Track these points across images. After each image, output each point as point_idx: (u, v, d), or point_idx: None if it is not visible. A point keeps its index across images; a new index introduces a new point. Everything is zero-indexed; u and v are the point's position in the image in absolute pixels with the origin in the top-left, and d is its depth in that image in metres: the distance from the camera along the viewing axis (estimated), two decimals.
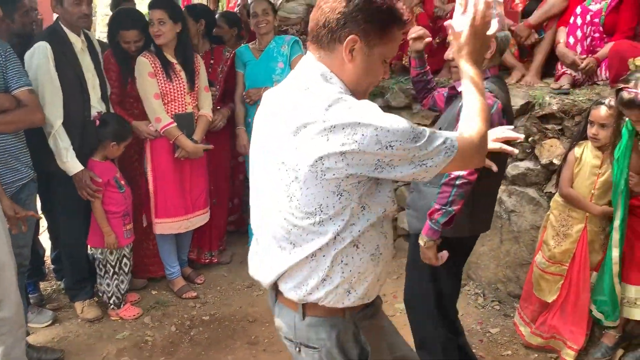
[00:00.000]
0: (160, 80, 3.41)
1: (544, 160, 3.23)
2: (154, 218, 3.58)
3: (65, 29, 3.12)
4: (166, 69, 3.42)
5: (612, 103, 2.64)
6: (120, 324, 3.37)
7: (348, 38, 1.36)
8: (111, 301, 3.40)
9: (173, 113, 3.46)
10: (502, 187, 3.47)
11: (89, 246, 3.38)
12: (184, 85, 3.49)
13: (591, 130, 2.73)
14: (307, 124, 1.33)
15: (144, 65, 3.39)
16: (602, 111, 2.68)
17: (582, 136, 2.84)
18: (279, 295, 1.57)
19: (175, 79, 3.45)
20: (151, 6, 3.39)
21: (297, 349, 1.55)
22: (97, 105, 3.25)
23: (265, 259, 1.56)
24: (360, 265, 1.47)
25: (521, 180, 3.38)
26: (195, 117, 3.58)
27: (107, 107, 3.38)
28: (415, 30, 2.49)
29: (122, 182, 3.36)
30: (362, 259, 1.47)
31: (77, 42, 3.17)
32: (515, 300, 3.34)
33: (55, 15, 3.25)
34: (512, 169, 3.41)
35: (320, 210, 1.38)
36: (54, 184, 3.17)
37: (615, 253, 2.66)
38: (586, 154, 2.81)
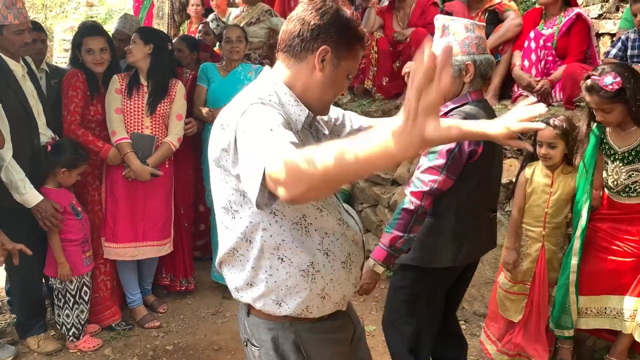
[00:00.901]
0: (126, 99, 3.40)
1: (503, 180, 3.28)
2: (103, 242, 3.48)
3: (4, 57, 3.03)
4: (130, 87, 3.40)
5: (557, 123, 2.71)
6: (79, 357, 3.24)
7: (321, 48, 1.43)
8: (70, 332, 3.27)
9: (132, 132, 3.42)
10: None
11: (47, 276, 3.27)
12: (142, 107, 3.45)
13: (541, 151, 2.77)
14: (226, 122, 1.39)
15: (114, 82, 3.41)
16: (549, 131, 2.72)
17: (532, 157, 2.88)
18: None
19: (136, 98, 3.42)
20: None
21: (245, 343, 1.61)
22: (44, 132, 3.18)
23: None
24: (287, 279, 1.47)
25: None
26: (158, 143, 3.52)
27: (53, 132, 3.29)
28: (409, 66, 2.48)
29: (79, 209, 3.26)
30: (288, 273, 1.46)
31: (18, 69, 3.08)
32: (481, 319, 3.36)
33: None
34: None
35: (230, 206, 1.45)
36: (1, 220, 2.91)
37: (574, 261, 2.72)
38: (536, 173, 2.85)
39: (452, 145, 2.03)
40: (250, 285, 1.49)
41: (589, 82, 2.47)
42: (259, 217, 1.42)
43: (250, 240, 1.45)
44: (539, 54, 3.53)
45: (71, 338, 3.28)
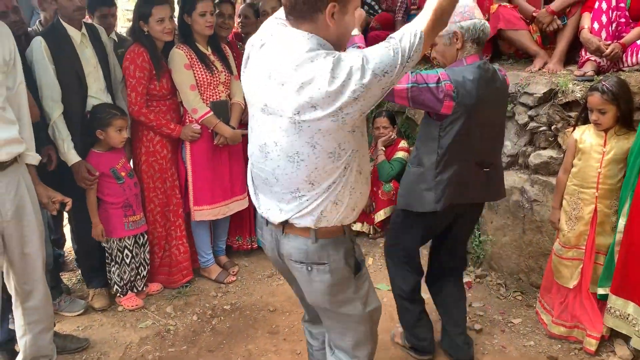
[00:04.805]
0: (198, 71, 3.45)
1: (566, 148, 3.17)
2: (192, 205, 3.60)
3: (64, 23, 3.18)
4: (204, 60, 3.47)
5: (606, 88, 2.66)
6: (143, 313, 3.42)
7: (328, 6, 1.61)
8: (115, 289, 3.45)
9: (209, 101, 3.51)
10: (524, 176, 3.43)
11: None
12: (218, 75, 3.54)
13: (592, 117, 2.76)
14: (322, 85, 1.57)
15: (180, 57, 3.42)
16: (597, 97, 2.70)
17: (583, 121, 2.87)
18: (288, 227, 1.81)
19: (212, 69, 3.50)
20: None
21: (309, 268, 1.82)
22: (100, 97, 3.30)
23: (273, 205, 1.82)
24: (361, 186, 1.81)
25: (544, 169, 3.33)
26: (229, 105, 3.61)
27: (113, 98, 3.42)
28: None
29: (123, 174, 3.34)
30: (361, 182, 1.80)
31: (77, 36, 3.21)
32: (538, 291, 3.30)
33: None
34: (534, 158, 3.36)
35: (340, 148, 1.67)
36: (64, 172, 3.19)
37: (622, 221, 2.71)
38: (587, 134, 2.83)
39: (436, 79, 2.26)
40: (336, 204, 1.75)
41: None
42: (355, 142, 1.70)
43: (349, 167, 1.72)
44: (610, 15, 3.32)
45: (118, 294, 3.46)
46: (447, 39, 2.37)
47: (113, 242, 3.38)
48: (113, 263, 3.42)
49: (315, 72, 1.55)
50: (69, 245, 4.10)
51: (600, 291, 2.85)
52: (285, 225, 1.81)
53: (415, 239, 2.69)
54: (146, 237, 3.53)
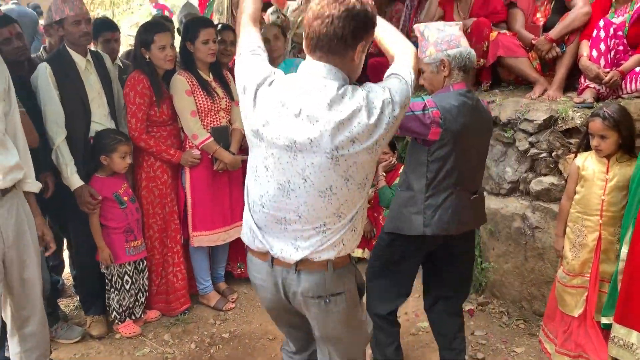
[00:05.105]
0: (199, 97, 3.47)
1: (567, 175, 3.17)
2: (191, 231, 3.59)
3: (69, 50, 3.24)
4: (205, 87, 3.49)
5: (607, 114, 2.68)
6: (140, 341, 3.37)
7: (359, 44, 1.67)
8: (112, 316, 3.41)
9: (209, 127, 3.52)
10: (525, 203, 3.41)
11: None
12: (219, 101, 3.56)
13: (593, 142, 2.77)
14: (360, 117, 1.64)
15: (182, 83, 3.44)
16: (598, 122, 2.72)
17: (585, 148, 2.88)
18: (303, 264, 1.78)
19: (213, 95, 3.52)
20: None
21: (327, 300, 1.82)
22: (104, 123, 3.34)
23: (286, 245, 1.79)
24: (365, 212, 1.88)
25: (545, 195, 3.32)
26: (230, 130, 3.63)
27: (116, 124, 3.44)
28: None
29: (125, 199, 3.35)
30: (365, 208, 1.93)
31: (82, 62, 3.27)
32: (541, 319, 3.26)
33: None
34: (535, 184, 3.35)
35: (366, 178, 1.75)
36: (66, 196, 3.21)
37: (624, 249, 2.68)
38: (590, 161, 2.83)
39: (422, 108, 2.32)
40: (352, 232, 1.80)
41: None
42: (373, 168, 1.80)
43: (365, 196, 1.81)
44: (609, 43, 3.35)
45: (116, 321, 3.42)
46: (434, 66, 2.44)
47: (114, 267, 3.36)
48: (113, 289, 3.38)
49: (351, 108, 1.62)
50: (67, 271, 4.07)
51: (604, 320, 2.81)
52: (299, 262, 1.79)
53: (398, 262, 2.67)
54: (145, 263, 3.51)
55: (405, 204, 2.49)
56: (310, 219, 1.74)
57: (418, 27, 2.54)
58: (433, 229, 2.44)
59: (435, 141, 2.35)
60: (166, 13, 10.72)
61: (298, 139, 1.66)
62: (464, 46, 2.45)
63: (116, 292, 3.38)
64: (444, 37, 2.43)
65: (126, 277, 3.40)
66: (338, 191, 1.70)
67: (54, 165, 3.16)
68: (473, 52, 2.49)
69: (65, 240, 3.85)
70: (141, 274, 3.47)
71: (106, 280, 3.40)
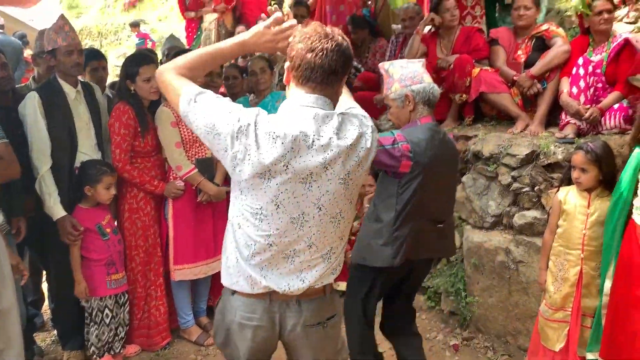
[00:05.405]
0: (184, 128, 3.45)
1: (550, 209, 3.19)
2: (173, 264, 3.53)
3: (60, 80, 3.25)
4: None
5: (590, 148, 2.75)
6: None
7: (344, 77, 1.77)
8: (91, 351, 3.31)
9: (194, 158, 3.50)
10: (509, 237, 3.43)
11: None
12: None
13: (573, 174, 2.82)
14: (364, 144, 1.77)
15: (167, 115, 3.43)
16: (581, 155, 2.78)
17: (568, 182, 2.92)
18: (305, 293, 1.79)
19: None
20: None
21: (325, 325, 1.86)
22: (91, 153, 3.32)
23: (291, 279, 1.77)
24: None
25: (528, 229, 3.34)
26: (215, 162, 3.61)
27: (103, 155, 3.42)
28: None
29: (108, 230, 3.30)
30: None
31: (72, 92, 3.28)
32: (525, 354, 3.24)
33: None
34: (519, 219, 3.37)
35: (357, 197, 1.84)
36: (48, 228, 3.17)
37: (607, 284, 2.69)
38: (571, 195, 2.87)
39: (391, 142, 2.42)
40: (343, 255, 1.87)
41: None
42: None
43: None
44: (588, 80, 3.44)
45: (94, 356, 3.32)
46: (400, 102, 2.55)
47: (94, 301, 3.28)
48: (92, 323, 3.30)
49: (355, 134, 1.73)
50: (47, 304, 3.98)
51: (590, 356, 2.80)
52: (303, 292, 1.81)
53: (373, 294, 2.71)
54: (127, 296, 3.44)
55: (374, 236, 2.54)
56: (320, 246, 1.77)
57: (382, 65, 2.67)
58: (402, 259, 2.51)
59: (405, 173, 2.42)
60: (148, 42, 10.78)
61: (314, 169, 1.67)
62: (427, 82, 2.57)
63: (96, 326, 3.30)
64: (408, 73, 2.56)
65: (106, 310, 3.32)
66: (345, 214, 1.78)
67: (37, 193, 3.12)
68: (436, 87, 2.61)
69: (45, 273, 3.77)
70: (122, 308, 3.40)
71: (86, 314, 3.32)
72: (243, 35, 1.84)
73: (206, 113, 1.71)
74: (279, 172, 1.66)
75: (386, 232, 2.50)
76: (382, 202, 2.55)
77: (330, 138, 1.68)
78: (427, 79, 2.59)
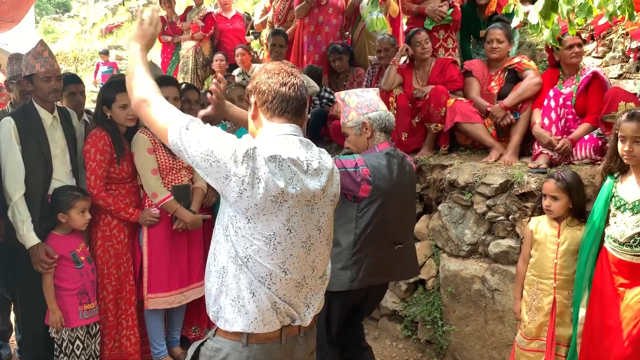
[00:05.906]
0: (160, 155, 3.43)
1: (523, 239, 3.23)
2: (146, 293, 3.45)
3: (36, 105, 3.22)
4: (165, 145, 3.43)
5: (561, 177, 2.82)
6: None
7: (306, 110, 1.87)
8: None
9: (170, 185, 3.47)
10: (484, 265, 3.45)
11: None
12: (181, 160, 3.48)
13: (544, 203, 2.87)
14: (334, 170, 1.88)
15: (144, 141, 3.40)
16: (552, 183, 2.84)
17: (540, 212, 2.97)
18: (304, 325, 1.82)
19: (170, 153, 3.47)
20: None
21: (316, 350, 1.94)
22: (65, 180, 3.27)
23: (301, 310, 1.80)
24: None
25: (503, 258, 3.37)
26: (191, 189, 3.58)
27: (77, 181, 3.37)
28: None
29: (82, 258, 3.22)
30: None
31: (48, 118, 3.24)
32: None
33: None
34: (494, 247, 3.40)
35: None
36: (18, 256, 3.09)
37: (581, 313, 2.71)
38: (542, 224, 2.92)
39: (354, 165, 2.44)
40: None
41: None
42: None
43: None
44: (559, 112, 3.53)
45: None
46: (357, 129, 2.63)
47: (65, 332, 3.17)
48: (62, 355, 3.18)
49: (330, 159, 1.88)
50: (14, 335, 3.85)
51: None
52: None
53: (335, 318, 2.72)
54: (98, 326, 3.34)
55: (333, 260, 2.51)
56: (319, 270, 1.82)
57: (339, 95, 2.75)
58: (360, 283, 2.54)
59: (364, 198, 2.45)
60: (115, 72, 10.75)
61: (315, 192, 1.75)
62: (382, 109, 2.65)
63: (65, 357, 3.18)
64: (364, 101, 2.64)
65: (77, 341, 3.21)
66: (333, 235, 1.88)
67: (8, 220, 3.05)
68: (392, 114, 2.70)
69: (12, 304, 3.66)
70: (93, 339, 3.29)
71: (55, 345, 3.21)
72: (134, 43, 1.97)
73: (201, 140, 1.67)
74: (290, 195, 1.67)
75: (345, 256, 2.54)
76: (341, 227, 2.55)
77: (319, 162, 1.79)
78: (383, 106, 2.67)
